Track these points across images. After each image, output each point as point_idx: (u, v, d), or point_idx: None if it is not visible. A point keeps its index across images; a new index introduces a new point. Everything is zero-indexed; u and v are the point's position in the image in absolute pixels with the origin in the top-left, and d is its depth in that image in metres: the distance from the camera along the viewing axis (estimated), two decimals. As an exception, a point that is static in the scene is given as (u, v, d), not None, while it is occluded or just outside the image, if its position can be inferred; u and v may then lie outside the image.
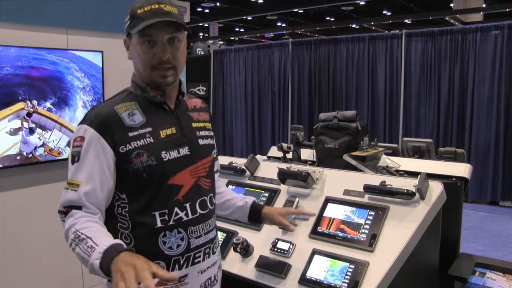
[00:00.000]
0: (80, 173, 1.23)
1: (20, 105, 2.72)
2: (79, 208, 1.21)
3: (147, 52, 1.26)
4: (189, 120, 1.39)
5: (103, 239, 1.11)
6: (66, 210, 1.22)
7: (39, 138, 2.83)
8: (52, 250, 2.95)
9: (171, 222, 1.28)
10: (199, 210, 1.34)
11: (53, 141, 2.91)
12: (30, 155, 2.79)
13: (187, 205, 1.31)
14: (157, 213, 1.26)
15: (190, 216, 1.32)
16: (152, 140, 1.27)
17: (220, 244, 1.95)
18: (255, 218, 1.63)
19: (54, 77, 2.88)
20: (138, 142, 1.25)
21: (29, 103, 2.75)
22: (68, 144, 2.98)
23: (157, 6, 1.25)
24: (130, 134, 1.25)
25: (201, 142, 1.39)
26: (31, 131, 2.78)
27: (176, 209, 1.29)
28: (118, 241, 1.12)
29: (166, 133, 1.30)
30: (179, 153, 1.31)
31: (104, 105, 1.32)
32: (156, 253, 1.26)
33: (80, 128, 1.26)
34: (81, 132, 1.25)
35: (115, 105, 1.28)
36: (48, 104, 2.86)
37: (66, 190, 1.24)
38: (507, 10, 8.13)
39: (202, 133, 1.41)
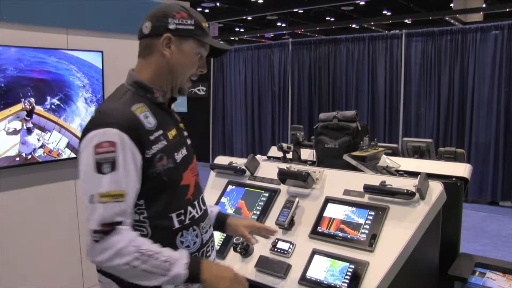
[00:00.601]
0: (122, 183, 1.15)
1: (19, 106, 2.72)
2: (119, 223, 1.14)
3: (197, 62, 1.35)
4: (178, 121, 1.42)
5: (171, 252, 1.19)
6: (107, 228, 1.12)
7: (38, 139, 2.83)
8: (52, 250, 2.95)
9: (187, 221, 1.31)
10: (202, 206, 1.40)
11: (53, 142, 2.91)
12: (29, 156, 2.79)
13: (196, 203, 1.36)
14: (174, 215, 1.28)
15: (199, 213, 1.37)
16: (165, 143, 1.27)
17: (220, 244, 1.96)
18: (220, 227, 1.61)
19: (54, 79, 2.88)
20: (157, 145, 1.24)
21: (27, 102, 2.75)
22: (67, 146, 2.98)
23: (206, 25, 1.35)
24: (151, 138, 1.23)
25: (188, 142, 1.43)
26: (29, 131, 2.78)
27: (189, 208, 1.33)
28: (184, 251, 1.24)
29: (172, 135, 1.32)
30: (182, 154, 1.33)
31: (120, 106, 1.23)
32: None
33: (105, 132, 1.15)
34: (109, 137, 1.15)
35: (131, 107, 1.23)
36: (48, 105, 2.86)
37: (105, 203, 1.13)
38: (507, 10, 8.12)
39: (185, 133, 1.44)
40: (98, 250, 1.12)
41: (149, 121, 1.24)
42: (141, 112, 1.23)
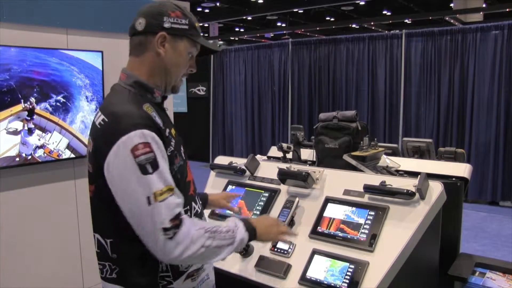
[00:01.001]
0: (167, 178, 1.17)
1: (20, 106, 2.71)
2: (180, 213, 1.17)
3: (189, 61, 1.35)
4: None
5: (224, 223, 1.30)
6: (176, 222, 1.14)
7: (38, 139, 2.83)
8: (52, 250, 2.95)
9: (192, 216, 1.34)
10: (199, 201, 1.45)
11: (53, 143, 2.91)
12: (29, 157, 2.79)
13: (196, 198, 1.41)
14: (182, 211, 1.29)
15: (200, 208, 1.43)
16: (174, 141, 1.29)
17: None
18: (203, 205, 1.67)
19: (55, 79, 2.87)
20: (171, 143, 1.27)
21: (28, 102, 2.75)
22: (67, 147, 2.98)
23: (198, 25, 1.36)
24: (166, 136, 1.25)
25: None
26: (30, 131, 2.78)
27: (193, 203, 1.36)
28: (232, 218, 1.35)
29: (174, 133, 1.33)
30: (183, 150, 1.37)
31: (135, 108, 1.21)
32: None
33: (137, 134, 1.14)
34: (142, 138, 1.14)
35: (142, 107, 1.23)
36: (48, 106, 2.86)
37: (163, 201, 1.13)
38: (507, 10, 8.12)
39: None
40: (174, 245, 1.13)
41: (158, 121, 1.24)
42: (151, 112, 1.24)
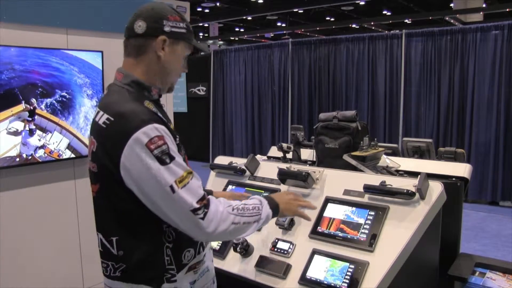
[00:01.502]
0: (183, 164, 1.23)
1: (20, 107, 2.71)
2: (204, 194, 1.24)
3: (183, 63, 1.40)
4: None
5: (248, 201, 1.37)
6: (205, 202, 1.22)
7: (39, 139, 2.83)
8: (52, 250, 2.95)
9: None
10: None
11: (54, 143, 2.91)
12: (30, 157, 2.79)
13: None
14: None
15: None
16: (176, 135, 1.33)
17: (220, 244, 1.96)
18: None
19: (56, 80, 2.88)
20: (176, 136, 1.31)
21: (29, 102, 2.75)
22: (68, 147, 2.98)
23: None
24: (170, 129, 1.29)
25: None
26: (31, 132, 2.78)
27: None
28: (255, 196, 1.43)
29: (173, 128, 1.35)
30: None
31: (138, 105, 1.25)
32: (189, 241, 1.32)
33: (148, 129, 1.18)
34: (155, 132, 1.18)
35: (143, 104, 1.27)
36: (49, 106, 2.86)
37: (185, 186, 1.19)
38: (507, 10, 8.13)
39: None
40: (207, 224, 1.21)
41: (161, 116, 1.30)
42: (152, 108, 1.29)
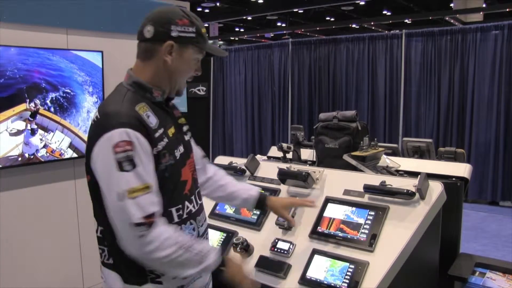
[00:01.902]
0: (144, 177, 1.20)
1: (22, 106, 2.71)
2: (154, 214, 1.20)
3: (193, 67, 1.37)
4: (176, 118, 1.46)
5: (202, 246, 1.29)
6: (148, 221, 1.18)
7: (41, 139, 2.83)
8: (52, 250, 2.95)
9: (184, 216, 1.36)
10: (198, 201, 1.45)
11: (55, 143, 2.91)
12: (32, 156, 2.79)
13: (192, 197, 1.41)
14: (173, 209, 1.33)
15: (196, 207, 1.42)
16: (167, 140, 1.32)
17: (220, 244, 1.96)
18: (262, 208, 1.73)
19: (57, 79, 2.87)
20: (161, 142, 1.29)
21: (32, 103, 2.75)
22: (70, 146, 2.98)
23: (205, 30, 1.38)
24: (155, 135, 1.28)
25: (186, 138, 1.47)
26: (33, 132, 2.78)
27: (186, 202, 1.37)
28: (211, 246, 1.36)
29: (172, 132, 1.36)
30: (180, 150, 1.37)
31: (126, 107, 1.26)
32: None
33: (120, 132, 1.19)
34: (125, 136, 1.19)
35: (135, 107, 1.27)
36: (51, 106, 2.86)
37: (135, 198, 1.18)
38: (507, 10, 8.12)
39: (185, 128, 1.48)
40: (144, 243, 1.18)
41: (151, 120, 1.29)
42: (143, 112, 1.28)
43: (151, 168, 1.23)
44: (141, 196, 1.19)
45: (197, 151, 1.60)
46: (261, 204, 1.70)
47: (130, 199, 1.17)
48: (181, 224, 1.35)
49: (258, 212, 2.03)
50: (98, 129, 1.23)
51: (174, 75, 1.35)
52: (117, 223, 1.21)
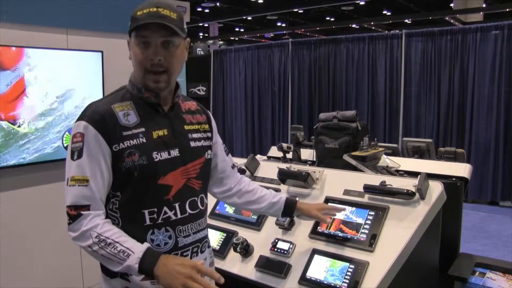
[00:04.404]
0: (86, 169, 1.25)
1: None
2: (87, 207, 1.24)
3: (142, 53, 1.28)
4: (182, 122, 1.42)
5: (132, 243, 1.22)
6: (76, 212, 1.24)
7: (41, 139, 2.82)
8: (52, 250, 2.95)
9: (159, 221, 1.32)
10: (188, 210, 1.37)
11: (55, 142, 2.91)
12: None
13: (176, 205, 1.34)
14: (146, 211, 1.30)
15: (179, 216, 1.35)
16: (144, 140, 1.30)
17: (220, 244, 1.96)
18: (289, 212, 1.66)
19: (57, 79, 2.87)
20: (131, 141, 1.28)
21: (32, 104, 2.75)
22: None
23: (155, 9, 1.27)
24: (124, 133, 1.28)
25: (192, 144, 1.41)
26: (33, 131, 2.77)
27: (165, 208, 1.32)
28: (147, 244, 1.23)
29: (158, 134, 1.33)
30: (169, 154, 1.33)
31: (102, 103, 1.33)
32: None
33: (79, 125, 1.27)
34: (80, 129, 1.26)
35: (112, 104, 1.31)
36: (50, 105, 2.85)
37: (72, 186, 1.25)
38: (507, 10, 8.13)
39: (195, 135, 1.43)
40: (70, 230, 1.26)
41: (128, 119, 1.30)
42: (121, 110, 1.31)
43: (100, 163, 1.26)
44: (77, 187, 1.24)
45: (226, 161, 1.60)
46: (291, 206, 1.64)
47: (69, 186, 1.26)
48: (154, 228, 1.30)
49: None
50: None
51: (135, 69, 1.34)
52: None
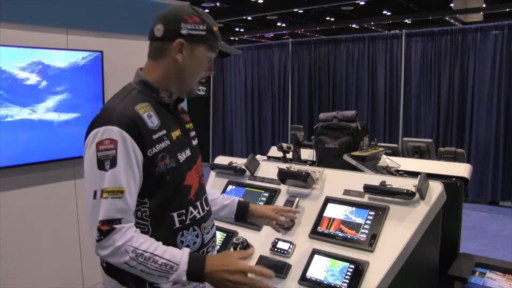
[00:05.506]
0: (121, 179, 1.16)
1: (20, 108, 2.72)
2: (119, 220, 1.15)
3: (207, 65, 1.35)
4: (183, 121, 1.43)
5: (171, 254, 1.18)
6: (109, 227, 1.14)
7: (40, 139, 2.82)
8: (52, 250, 2.95)
9: (187, 221, 1.32)
10: (205, 207, 1.40)
11: (55, 142, 2.91)
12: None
13: (198, 203, 1.36)
14: (175, 214, 1.29)
15: (201, 214, 1.37)
16: (169, 143, 1.28)
17: (220, 244, 1.96)
18: (242, 215, 1.65)
19: (57, 79, 2.88)
20: (160, 144, 1.25)
21: (32, 105, 2.75)
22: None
23: (217, 29, 1.35)
24: (154, 137, 1.24)
25: (194, 142, 1.44)
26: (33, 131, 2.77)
27: (190, 208, 1.34)
28: (187, 251, 1.21)
29: (176, 135, 1.32)
30: (185, 154, 1.34)
31: (123, 105, 1.24)
32: None
33: (107, 130, 1.17)
34: (110, 134, 1.17)
35: (135, 106, 1.24)
36: (50, 105, 2.86)
37: (105, 199, 1.15)
38: (507, 10, 8.13)
39: (192, 133, 1.45)
40: (101, 247, 1.16)
41: (153, 121, 1.25)
42: (144, 112, 1.24)
43: (134, 171, 1.19)
44: (111, 199, 1.15)
45: None
46: (244, 208, 1.64)
47: (102, 199, 1.15)
48: (183, 230, 1.30)
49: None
50: (92, 123, 1.23)
51: (185, 75, 1.31)
52: (88, 220, 1.18)
